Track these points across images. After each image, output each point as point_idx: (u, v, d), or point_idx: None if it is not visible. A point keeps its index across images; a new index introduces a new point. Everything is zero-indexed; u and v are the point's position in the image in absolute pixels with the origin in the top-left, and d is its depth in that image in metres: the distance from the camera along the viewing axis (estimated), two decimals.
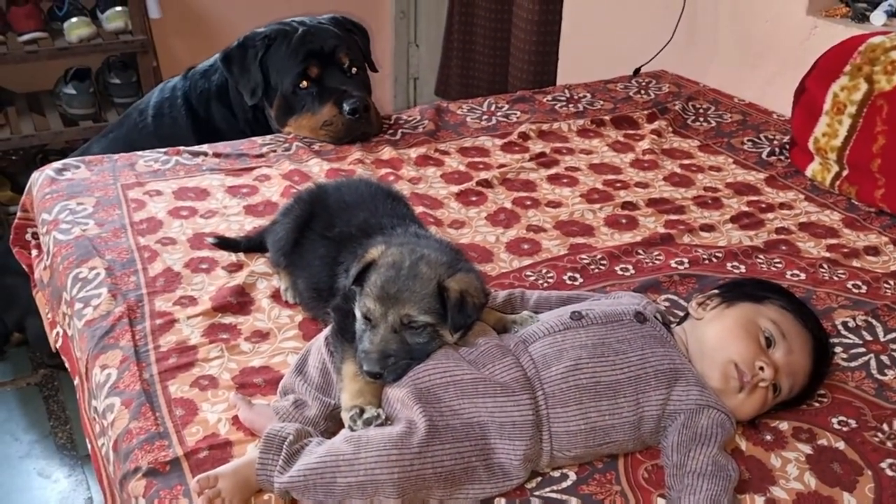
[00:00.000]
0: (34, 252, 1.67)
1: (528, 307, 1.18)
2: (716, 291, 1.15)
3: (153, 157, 1.73)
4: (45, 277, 1.47)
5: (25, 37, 2.87)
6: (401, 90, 3.99)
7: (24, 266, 1.73)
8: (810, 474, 1.01)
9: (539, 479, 0.98)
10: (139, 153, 1.74)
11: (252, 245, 1.39)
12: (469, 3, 3.25)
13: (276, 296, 1.31)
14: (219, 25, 3.32)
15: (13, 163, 3.17)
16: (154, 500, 0.95)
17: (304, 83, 1.88)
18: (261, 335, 1.22)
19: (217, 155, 1.76)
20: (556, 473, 0.99)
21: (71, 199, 1.53)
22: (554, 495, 0.96)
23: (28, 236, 1.70)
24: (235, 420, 1.04)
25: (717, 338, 1.06)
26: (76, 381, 1.35)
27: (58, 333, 1.43)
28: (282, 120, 1.93)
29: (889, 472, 1.02)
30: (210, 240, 1.40)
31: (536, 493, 0.97)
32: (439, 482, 0.91)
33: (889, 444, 1.06)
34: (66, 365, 1.44)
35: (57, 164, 1.66)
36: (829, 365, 1.15)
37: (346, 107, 1.84)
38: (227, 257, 1.39)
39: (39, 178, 1.62)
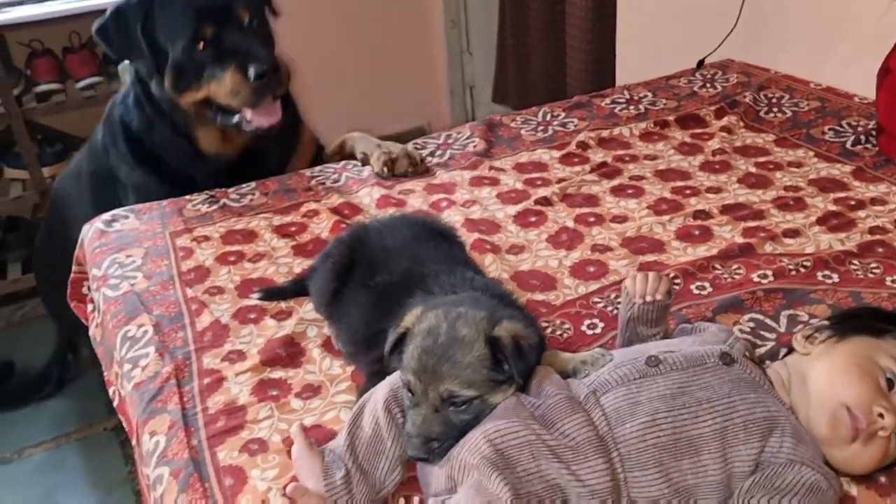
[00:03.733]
0: (89, 307, 1.65)
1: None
2: (825, 323, 1.02)
3: (200, 200, 1.69)
4: (98, 335, 1.44)
5: (83, 83, 2.92)
6: (457, 100, 3.91)
7: (83, 321, 1.71)
8: None
9: None
10: (187, 197, 1.71)
11: (299, 289, 1.33)
12: (520, 6, 3.15)
13: (326, 343, 1.24)
14: None
15: None
16: None
17: (200, 45, 1.65)
18: (312, 389, 1.15)
19: (265, 193, 1.72)
20: None
21: (120, 252, 1.50)
22: None
23: (84, 289, 1.69)
24: (286, 490, 0.97)
25: (826, 378, 0.93)
26: (133, 442, 1.31)
27: (114, 392, 1.40)
28: (178, 91, 1.71)
29: None
30: (255, 297, 1.34)
31: None
32: None
33: None
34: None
35: (106, 216, 1.64)
36: None
37: (251, 72, 1.63)
38: (275, 304, 1.33)
39: (90, 231, 1.61)
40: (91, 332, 1.54)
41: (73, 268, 1.67)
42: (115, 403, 1.41)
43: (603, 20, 2.77)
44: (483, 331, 0.91)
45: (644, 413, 0.89)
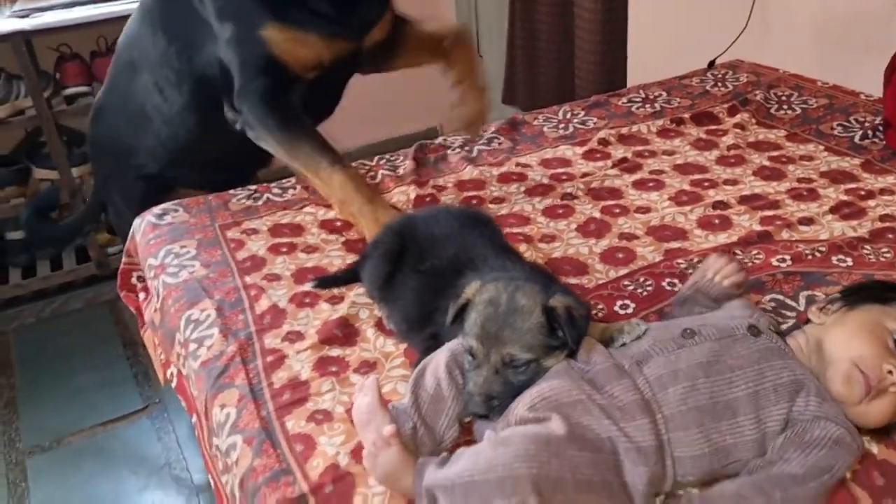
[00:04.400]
0: (141, 295, 1.74)
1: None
2: (837, 295, 1.12)
3: (245, 195, 1.78)
4: (157, 319, 1.53)
5: None
6: None
7: (132, 309, 1.81)
8: None
9: (662, 497, 0.97)
10: (231, 192, 1.80)
11: (351, 277, 1.42)
12: (530, 9, 3.25)
13: (379, 324, 1.33)
14: None
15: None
16: None
17: None
18: (368, 365, 1.24)
19: (305, 187, 1.80)
20: (680, 490, 0.98)
21: (174, 243, 1.59)
22: None
23: (133, 280, 1.78)
24: (355, 453, 1.06)
25: (839, 341, 1.03)
26: (193, 419, 1.40)
27: (172, 373, 1.49)
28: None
29: None
30: (310, 285, 1.42)
31: None
32: (578, 490, 0.90)
33: None
34: (182, 402, 1.50)
35: (157, 210, 1.73)
36: None
37: None
38: (328, 291, 1.42)
39: (141, 225, 1.70)
40: (148, 317, 1.63)
41: (123, 259, 1.76)
42: (174, 384, 1.50)
43: (612, 23, 2.87)
44: (539, 301, 1.01)
45: (685, 378, 0.98)
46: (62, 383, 2.64)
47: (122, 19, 3.00)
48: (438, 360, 1.05)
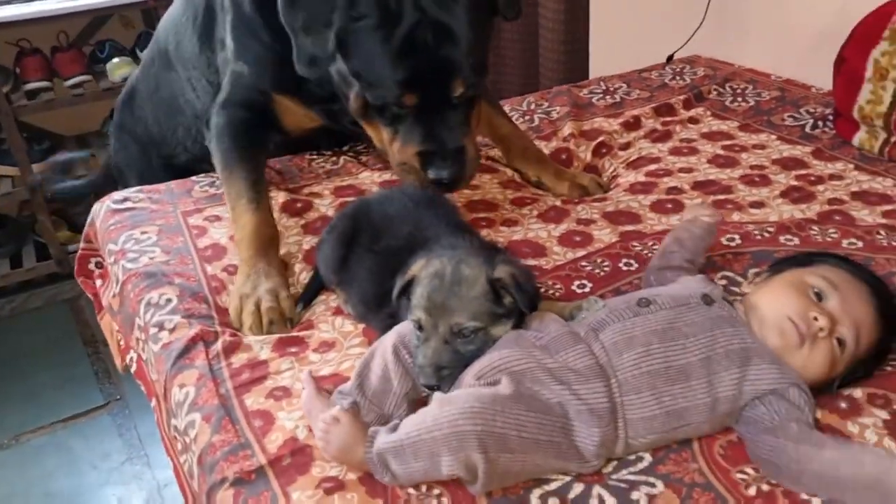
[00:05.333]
0: (98, 282, 1.73)
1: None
2: (766, 269, 1.17)
3: (208, 182, 1.78)
4: (115, 305, 1.52)
5: (71, 81, 2.99)
6: None
7: (89, 295, 1.79)
8: (889, 439, 1.00)
9: (615, 462, 1.00)
10: (193, 178, 1.79)
11: (320, 281, 1.41)
12: None
13: (337, 311, 1.34)
14: None
15: (68, 204, 3.29)
16: None
17: (395, 106, 1.39)
18: (328, 345, 1.25)
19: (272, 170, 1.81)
20: (632, 457, 1.00)
21: (135, 229, 1.59)
22: (632, 477, 0.97)
23: (91, 266, 1.77)
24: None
25: (769, 300, 1.08)
26: (153, 403, 1.40)
27: (132, 358, 1.49)
28: (357, 115, 1.47)
29: None
30: (298, 308, 1.37)
31: (614, 476, 0.98)
32: (524, 448, 0.92)
33: None
34: (143, 393, 1.49)
35: (117, 195, 1.72)
36: None
37: (430, 173, 1.39)
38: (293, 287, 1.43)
39: (101, 210, 1.69)
40: (106, 302, 1.62)
41: (81, 245, 1.75)
42: (133, 369, 1.50)
43: (575, 22, 2.91)
44: (484, 272, 1.03)
45: (639, 345, 1.01)
46: (22, 381, 2.61)
47: (82, 14, 3.00)
48: (386, 342, 1.07)
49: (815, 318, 1.03)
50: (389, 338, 1.08)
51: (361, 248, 1.29)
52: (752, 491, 0.95)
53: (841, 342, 1.05)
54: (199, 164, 1.87)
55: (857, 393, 1.07)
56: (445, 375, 1.01)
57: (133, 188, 1.76)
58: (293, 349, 1.25)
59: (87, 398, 2.53)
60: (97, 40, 3.16)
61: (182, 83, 1.83)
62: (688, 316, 1.05)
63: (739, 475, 0.97)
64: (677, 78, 2.31)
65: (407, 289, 1.06)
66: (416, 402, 1.05)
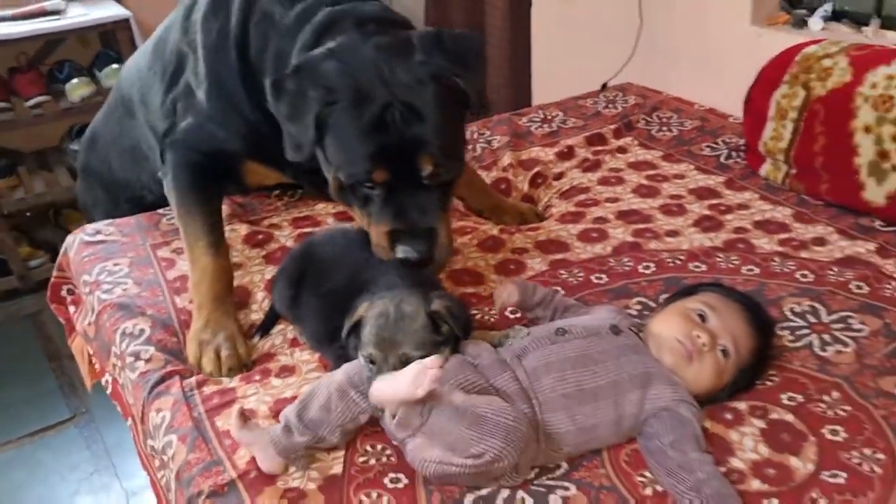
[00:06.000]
0: (72, 308, 1.86)
1: (554, 305, 1.41)
2: (663, 301, 1.38)
3: (174, 215, 1.91)
4: (91, 332, 1.65)
5: (31, 101, 3.06)
6: None
7: (61, 320, 1.91)
8: (763, 444, 1.20)
9: (536, 470, 1.17)
10: (160, 211, 1.92)
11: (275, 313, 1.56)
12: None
13: (294, 340, 1.50)
14: None
15: (28, 220, 3.37)
16: None
17: (366, 183, 1.39)
18: (288, 370, 1.41)
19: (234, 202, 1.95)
20: (551, 465, 1.18)
21: (108, 261, 1.72)
22: (551, 482, 1.15)
23: (63, 293, 1.89)
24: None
25: (660, 327, 1.28)
26: (129, 422, 1.54)
27: (107, 381, 1.62)
28: (336, 198, 1.49)
29: (829, 437, 1.21)
30: (255, 340, 1.51)
31: (536, 482, 1.15)
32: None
33: (829, 412, 1.25)
34: (117, 408, 1.63)
35: (89, 228, 1.85)
36: (771, 330, 1.35)
37: (399, 251, 1.38)
38: (252, 317, 1.58)
39: (74, 242, 1.81)
40: (80, 328, 1.75)
41: (54, 273, 1.87)
42: (109, 391, 1.64)
43: (521, 48, 3.08)
44: (422, 306, 1.21)
45: (555, 370, 1.19)
46: None
47: (42, 37, 3.08)
48: (334, 378, 1.21)
49: (698, 336, 1.24)
50: (338, 374, 1.22)
51: (308, 292, 1.44)
52: (648, 491, 1.14)
53: (725, 352, 1.25)
54: (165, 203, 1.97)
55: (741, 405, 1.27)
56: None
57: (104, 221, 1.88)
58: (257, 377, 1.41)
59: (54, 411, 2.62)
60: (55, 60, 3.24)
61: (145, 130, 1.88)
62: (599, 345, 1.24)
63: (639, 478, 1.16)
64: (610, 106, 2.50)
65: (355, 329, 1.23)
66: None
